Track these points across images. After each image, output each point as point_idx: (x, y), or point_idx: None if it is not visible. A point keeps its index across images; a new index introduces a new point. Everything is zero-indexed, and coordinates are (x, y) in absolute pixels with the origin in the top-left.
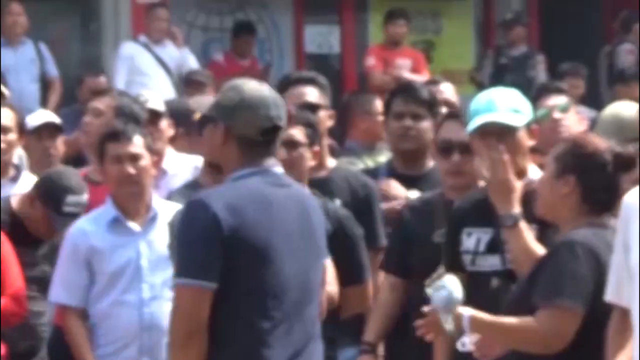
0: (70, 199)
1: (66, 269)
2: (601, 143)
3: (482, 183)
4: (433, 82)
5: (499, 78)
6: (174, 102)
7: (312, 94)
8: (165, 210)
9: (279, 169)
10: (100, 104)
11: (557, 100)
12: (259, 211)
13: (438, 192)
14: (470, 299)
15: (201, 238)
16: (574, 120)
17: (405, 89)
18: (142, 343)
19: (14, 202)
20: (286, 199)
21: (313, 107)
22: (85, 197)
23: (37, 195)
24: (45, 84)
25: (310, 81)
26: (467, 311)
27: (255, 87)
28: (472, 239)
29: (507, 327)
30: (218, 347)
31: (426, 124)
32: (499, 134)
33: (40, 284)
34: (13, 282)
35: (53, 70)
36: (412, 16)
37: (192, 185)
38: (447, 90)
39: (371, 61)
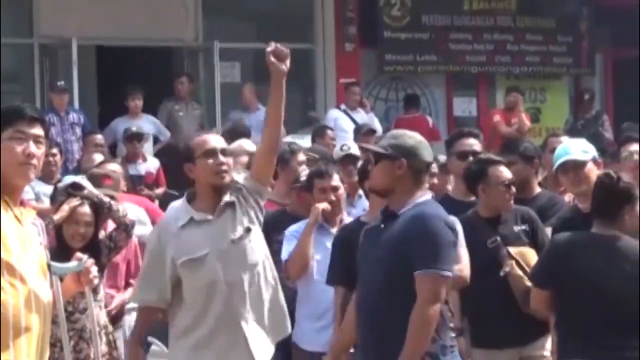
0: None
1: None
2: None
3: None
4: (555, 135)
5: (577, 134)
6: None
7: (476, 144)
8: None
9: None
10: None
11: (636, 147)
12: (453, 226)
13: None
14: None
15: (451, 241)
16: None
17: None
18: None
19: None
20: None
21: (477, 152)
22: None
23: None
24: None
25: (474, 135)
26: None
27: (413, 133)
28: None
29: None
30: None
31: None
32: (574, 168)
33: None
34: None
35: None
36: (526, 91)
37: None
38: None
39: (497, 117)
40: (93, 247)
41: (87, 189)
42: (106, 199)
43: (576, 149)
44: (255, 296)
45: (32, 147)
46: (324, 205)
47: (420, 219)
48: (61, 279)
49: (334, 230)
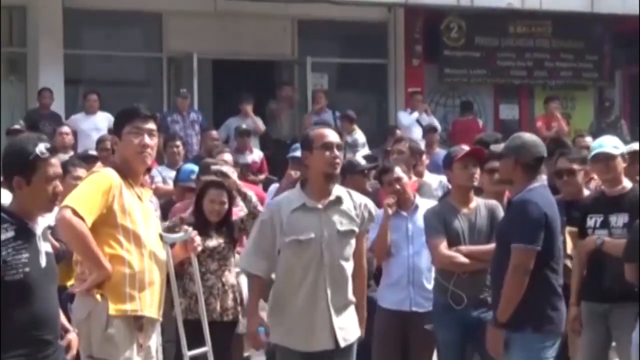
0: None
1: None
2: None
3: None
4: (581, 136)
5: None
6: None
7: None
8: (423, 205)
9: (546, 181)
10: (401, 146)
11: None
12: (551, 207)
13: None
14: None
15: (539, 221)
16: None
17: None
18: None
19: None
20: (554, 198)
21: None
22: None
23: None
24: None
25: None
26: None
27: (529, 135)
28: (592, 221)
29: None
30: (534, 284)
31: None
32: (605, 159)
33: None
34: None
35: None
36: (561, 99)
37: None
38: (589, 141)
39: (539, 123)
40: (227, 223)
41: (231, 178)
42: (244, 189)
43: (609, 144)
44: (343, 284)
45: (147, 139)
46: (390, 201)
47: (517, 202)
48: (171, 247)
49: (405, 213)
